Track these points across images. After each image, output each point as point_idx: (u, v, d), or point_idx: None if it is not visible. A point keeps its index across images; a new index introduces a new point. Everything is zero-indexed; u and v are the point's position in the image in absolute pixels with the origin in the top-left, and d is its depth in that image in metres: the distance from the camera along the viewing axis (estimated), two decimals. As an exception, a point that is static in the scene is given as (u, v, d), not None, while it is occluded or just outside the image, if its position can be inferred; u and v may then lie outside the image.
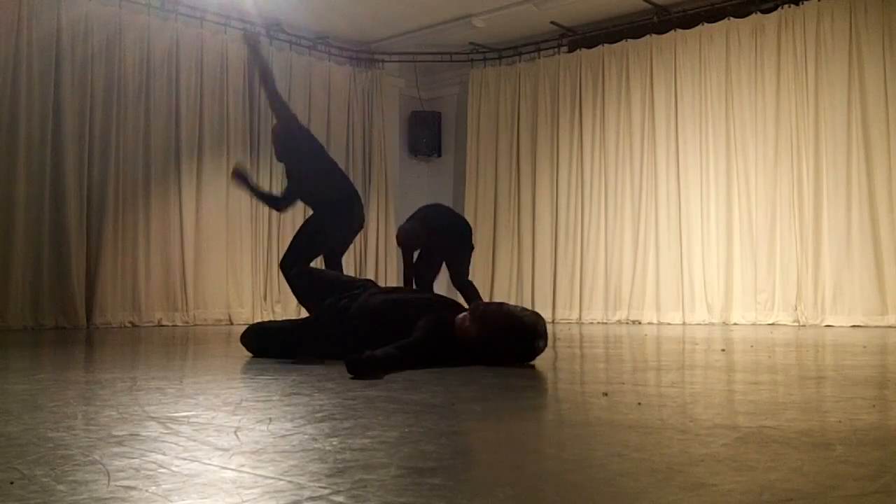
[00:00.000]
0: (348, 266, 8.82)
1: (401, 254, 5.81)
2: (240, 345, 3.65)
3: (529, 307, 8.60)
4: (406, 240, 5.49)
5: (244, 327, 3.82)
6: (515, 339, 2.99)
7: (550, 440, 1.60)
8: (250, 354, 3.60)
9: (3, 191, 6.42)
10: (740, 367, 3.13)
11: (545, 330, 3.09)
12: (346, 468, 1.23)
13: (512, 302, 8.82)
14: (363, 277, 3.97)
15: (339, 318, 3.30)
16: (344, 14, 8.41)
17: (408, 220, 5.75)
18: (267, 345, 3.56)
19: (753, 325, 7.18)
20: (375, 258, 9.23)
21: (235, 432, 1.57)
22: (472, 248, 5.81)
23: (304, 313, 4.19)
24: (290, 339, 3.49)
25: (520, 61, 9.27)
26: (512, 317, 3.03)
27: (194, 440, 1.48)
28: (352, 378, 2.53)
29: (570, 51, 8.88)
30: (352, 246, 9.13)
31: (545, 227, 8.85)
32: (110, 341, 5.06)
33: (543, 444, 1.56)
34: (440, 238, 5.53)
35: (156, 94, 7.47)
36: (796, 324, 7.06)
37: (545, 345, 3.09)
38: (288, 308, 8.22)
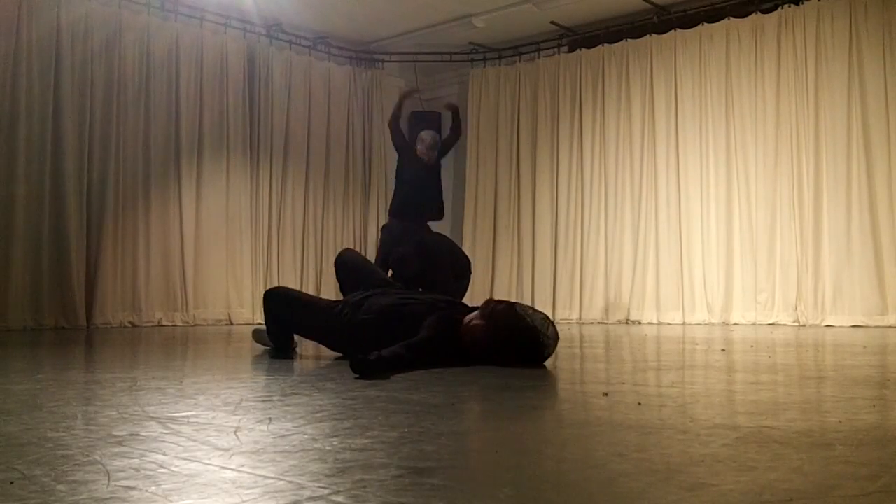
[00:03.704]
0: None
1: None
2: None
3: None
4: (400, 266, 5.42)
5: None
6: (520, 340, 2.95)
7: (550, 440, 1.60)
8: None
9: (3, 191, 6.42)
10: (740, 367, 3.13)
11: (554, 334, 3.04)
12: (346, 468, 1.23)
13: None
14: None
15: (351, 316, 3.31)
16: (344, 14, 8.41)
17: (403, 244, 5.70)
18: (284, 309, 3.54)
19: (753, 325, 7.18)
20: (375, 258, 9.23)
21: (235, 432, 1.57)
22: (467, 285, 5.73)
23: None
24: (307, 317, 3.48)
25: (520, 61, 9.27)
26: (520, 318, 2.98)
27: (194, 440, 1.48)
28: (356, 378, 2.52)
29: (570, 51, 8.88)
30: (352, 244, 9.17)
31: (545, 227, 8.84)
32: (110, 341, 5.05)
33: (543, 444, 1.56)
34: (434, 271, 5.47)
35: (156, 94, 7.46)
36: (796, 324, 7.06)
37: (552, 349, 3.06)
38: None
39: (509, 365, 2.95)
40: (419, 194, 6.35)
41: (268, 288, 3.76)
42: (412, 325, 3.04)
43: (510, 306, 3.06)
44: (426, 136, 6.62)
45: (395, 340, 2.86)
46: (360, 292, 3.43)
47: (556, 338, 3.05)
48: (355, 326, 3.24)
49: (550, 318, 3.12)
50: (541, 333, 2.97)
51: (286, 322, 3.58)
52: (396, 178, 6.54)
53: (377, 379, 2.51)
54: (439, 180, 6.56)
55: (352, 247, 9.10)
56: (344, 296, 3.68)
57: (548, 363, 3.11)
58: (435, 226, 6.64)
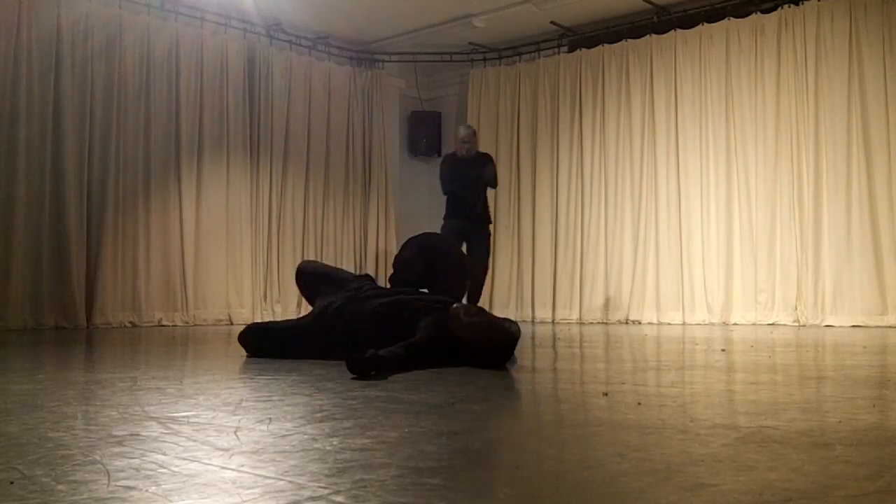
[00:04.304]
0: (349, 265, 8.84)
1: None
2: (239, 345, 3.65)
3: (527, 307, 8.69)
4: (403, 270, 5.42)
5: (244, 327, 3.82)
6: (490, 344, 2.94)
7: (550, 440, 1.60)
8: (248, 354, 3.60)
9: (3, 191, 6.42)
10: (740, 367, 3.13)
11: (514, 328, 3.02)
12: (346, 468, 1.23)
13: (512, 301, 8.84)
14: (362, 273, 3.96)
15: (337, 319, 3.30)
16: (344, 14, 8.40)
17: (404, 248, 5.73)
18: (265, 344, 3.55)
19: (753, 325, 7.18)
20: (375, 258, 9.24)
21: (235, 432, 1.57)
22: (468, 285, 5.73)
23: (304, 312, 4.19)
24: (290, 339, 3.49)
25: (520, 61, 9.27)
26: (473, 328, 2.97)
27: (194, 440, 1.48)
28: (353, 378, 2.52)
29: (570, 51, 8.88)
30: (352, 244, 9.17)
31: (545, 228, 8.84)
32: (110, 341, 5.05)
33: (543, 444, 1.56)
34: (437, 272, 5.48)
35: (156, 93, 7.46)
36: (796, 324, 7.06)
37: (507, 353, 3.02)
38: (288, 308, 8.23)
39: (492, 365, 2.93)
40: (461, 190, 6.46)
41: (239, 332, 3.75)
42: (407, 326, 3.04)
43: (458, 319, 3.01)
44: (459, 130, 6.77)
45: (390, 343, 2.86)
46: (338, 296, 3.41)
47: (505, 342, 3.01)
48: (348, 332, 3.22)
49: (499, 323, 3.08)
50: (506, 330, 2.96)
51: (270, 354, 3.56)
52: (441, 179, 6.63)
53: (376, 379, 2.51)
54: (481, 173, 6.50)
55: (351, 247, 9.12)
56: (312, 305, 3.66)
57: (548, 363, 3.11)
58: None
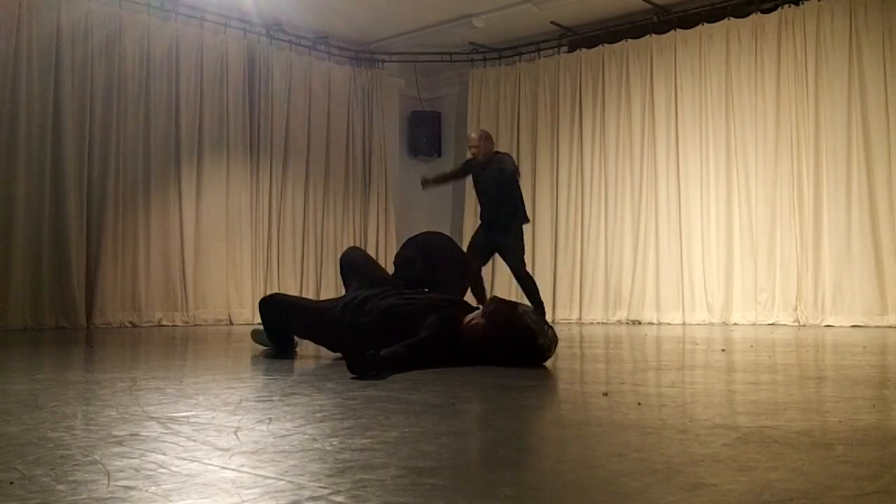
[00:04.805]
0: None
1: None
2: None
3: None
4: (404, 269, 5.44)
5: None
6: (518, 341, 2.95)
7: (550, 440, 1.60)
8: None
9: (3, 191, 6.42)
10: (740, 367, 3.13)
11: (553, 336, 3.02)
12: (346, 468, 1.23)
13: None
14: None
15: (353, 315, 3.30)
16: (344, 14, 8.41)
17: (404, 247, 5.75)
18: (281, 316, 3.57)
19: (753, 325, 7.18)
20: (375, 257, 9.24)
21: (235, 432, 1.57)
22: (467, 285, 5.75)
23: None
24: (305, 319, 3.50)
25: (520, 61, 9.27)
26: (518, 319, 2.98)
27: (194, 440, 1.48)
28: (353, 378, 2.52)
29: (570, 51, 8.88)
30: (352, 244, 9.18)
31: (545, 228, 8.84)
32: (110, 341, 5.05)
33: (543, 444, 1.56)
34: (438, 271, 5.49)
35: (156, 93, 7.46)
36: (796, 324, 7.06)
37: (551, 352, 3.04)
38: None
39: (508, 365, 2.95)
40: (486, 196, 6.39)
41: (263, 296, 3.78)
42: (412, 325, 3.04)
43: (510, 307, 3.06)
44: (470, 135, 6.71)
45: (396, 341, 2.86)
46: (363, 292, 3.43)
47: (555, 340, 3.04)
48: (356, 328, 3.23)
49: (546, 322, 3.11)
50: (538, 335, 2.96)
51: (284, 328, 3.59)
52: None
53: (376, 379, 2.50)
54: (496, 175, 6.32)
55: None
56: (347, 292, 3.68)
57: (548, 363, 3.11)
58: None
